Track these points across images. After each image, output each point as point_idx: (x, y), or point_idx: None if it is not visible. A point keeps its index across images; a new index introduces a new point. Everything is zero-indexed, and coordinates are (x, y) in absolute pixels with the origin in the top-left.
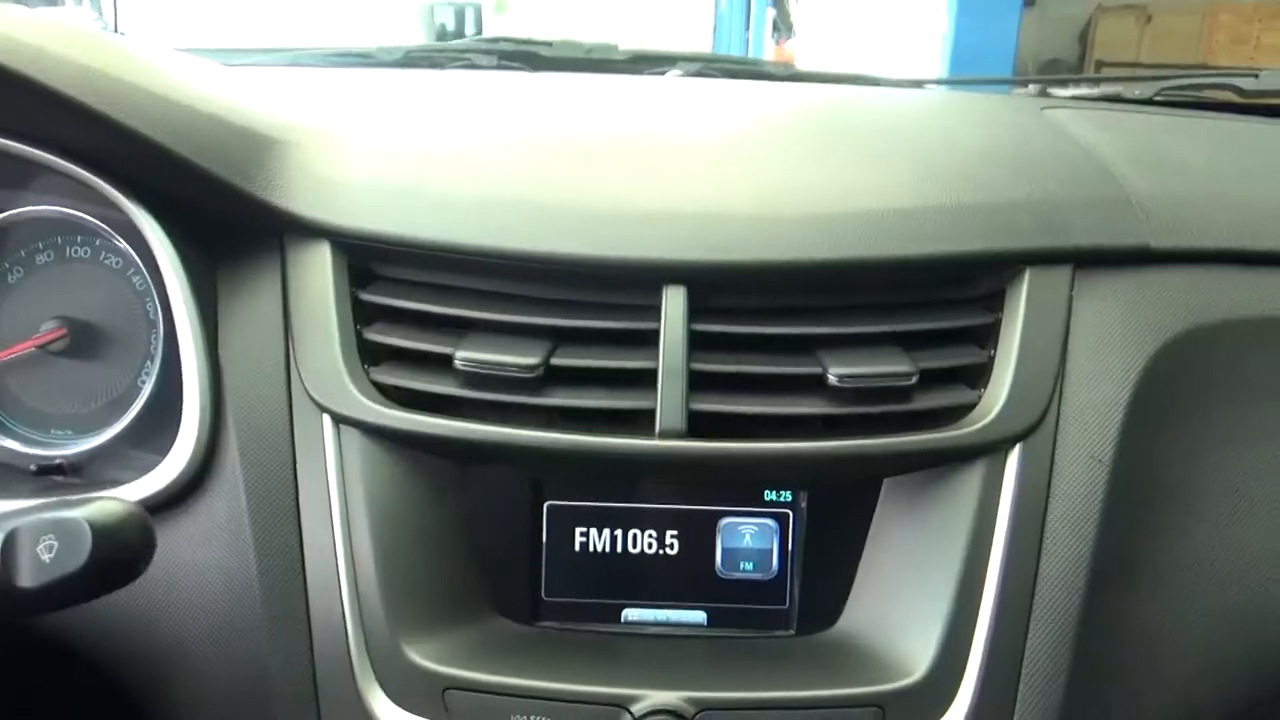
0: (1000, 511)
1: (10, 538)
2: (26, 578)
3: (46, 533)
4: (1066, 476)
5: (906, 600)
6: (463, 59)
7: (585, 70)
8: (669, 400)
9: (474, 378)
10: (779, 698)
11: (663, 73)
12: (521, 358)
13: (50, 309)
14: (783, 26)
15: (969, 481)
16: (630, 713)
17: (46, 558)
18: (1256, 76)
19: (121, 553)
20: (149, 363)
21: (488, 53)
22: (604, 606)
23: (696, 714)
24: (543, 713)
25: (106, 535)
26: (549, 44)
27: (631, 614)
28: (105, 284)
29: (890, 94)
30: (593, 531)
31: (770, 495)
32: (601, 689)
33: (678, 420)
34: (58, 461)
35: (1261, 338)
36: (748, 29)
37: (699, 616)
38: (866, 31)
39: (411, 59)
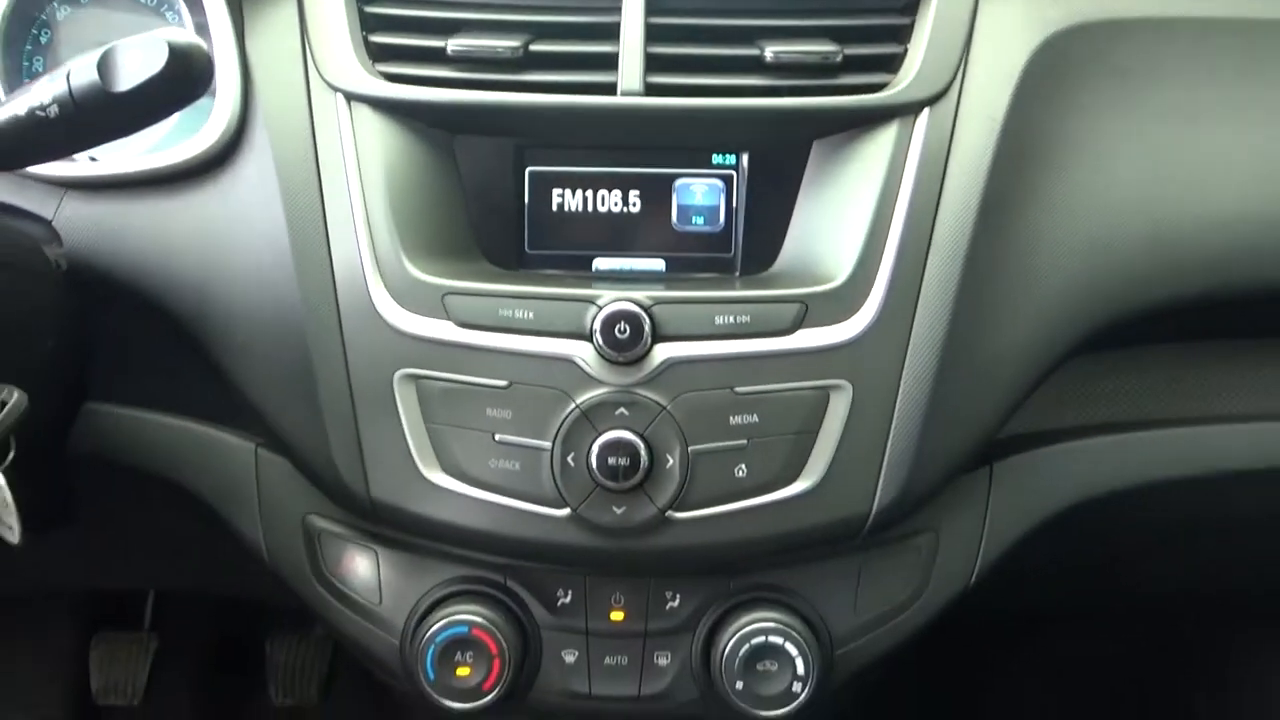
0: (909, 163)
1: (107, 54)
2: (120, 83)
3: (133, 48)
4: (966, 133)
5: (830, 240)
6: None
7: None
8: (628, 67)
9: (464, 63)
10: (720, 294)
11: None
12: (504, 42)
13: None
14: None
15: (884, 140)
16: (597, 305)
17: (134, 67)
18: None
19: (190, 69)
20: None
21: None
22: (578, 258)
23: (652, 305)
24: (527, 308)
25: (179, 52)
26: None
27: (601, 263)
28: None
29: None
30: (568, 192)
31: (717, 159)
32: (576, 291)
33: (636, 82)
34: None
35: (1128, 32)
36: None
37: (658, 264)
38: None
39: None
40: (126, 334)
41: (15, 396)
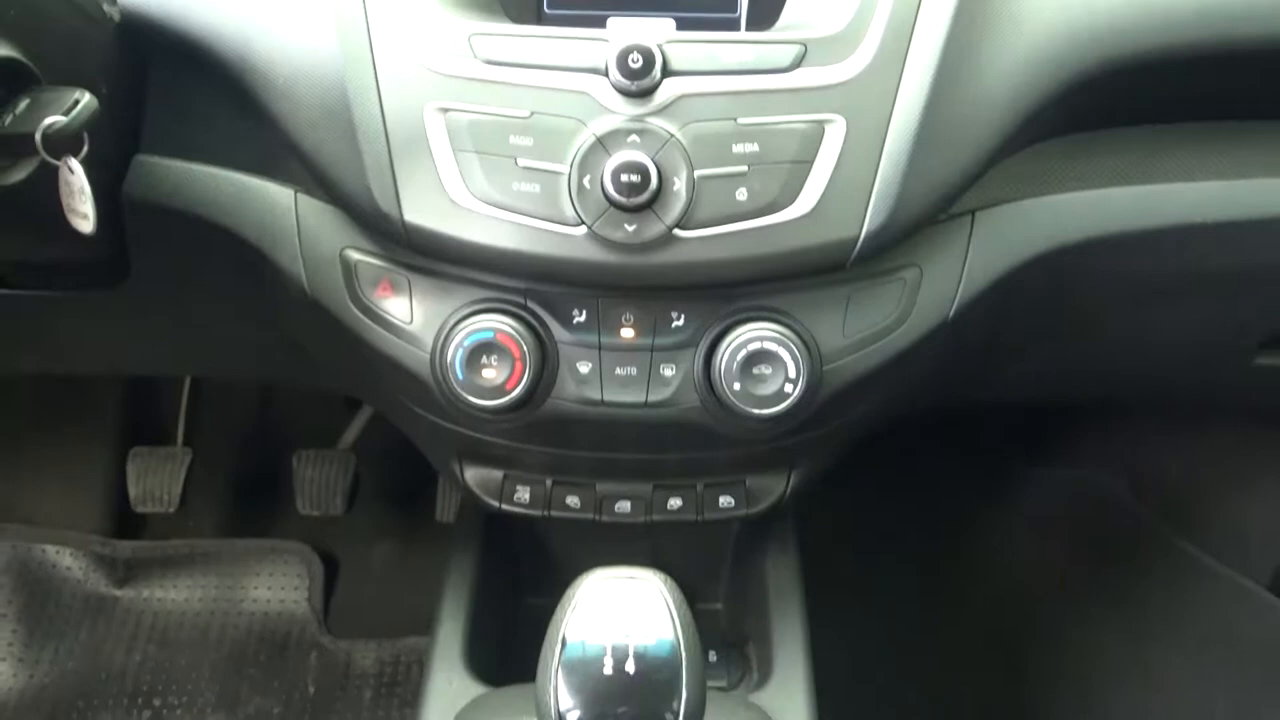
0: None
1: None
2: None
3: None
4: None
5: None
6: None
7: None
8: None
9: None
10: (726, 37)
11: None
12: None
13: None
14: None
15: None
16: (611, 41)
17: None
18: None
19: None
20: None
21: None
22: (593, 17)
23: (663, 43)
24: (546, 47)
25: None
26: None
27: (615, 22)
28: None
29: None
30: None
31: None
32: (592, 31)
33: None
34: None
35: None
36: None
37: (669, 24)
38: None
39: None
40: (175, 89)
41: (86, 97)
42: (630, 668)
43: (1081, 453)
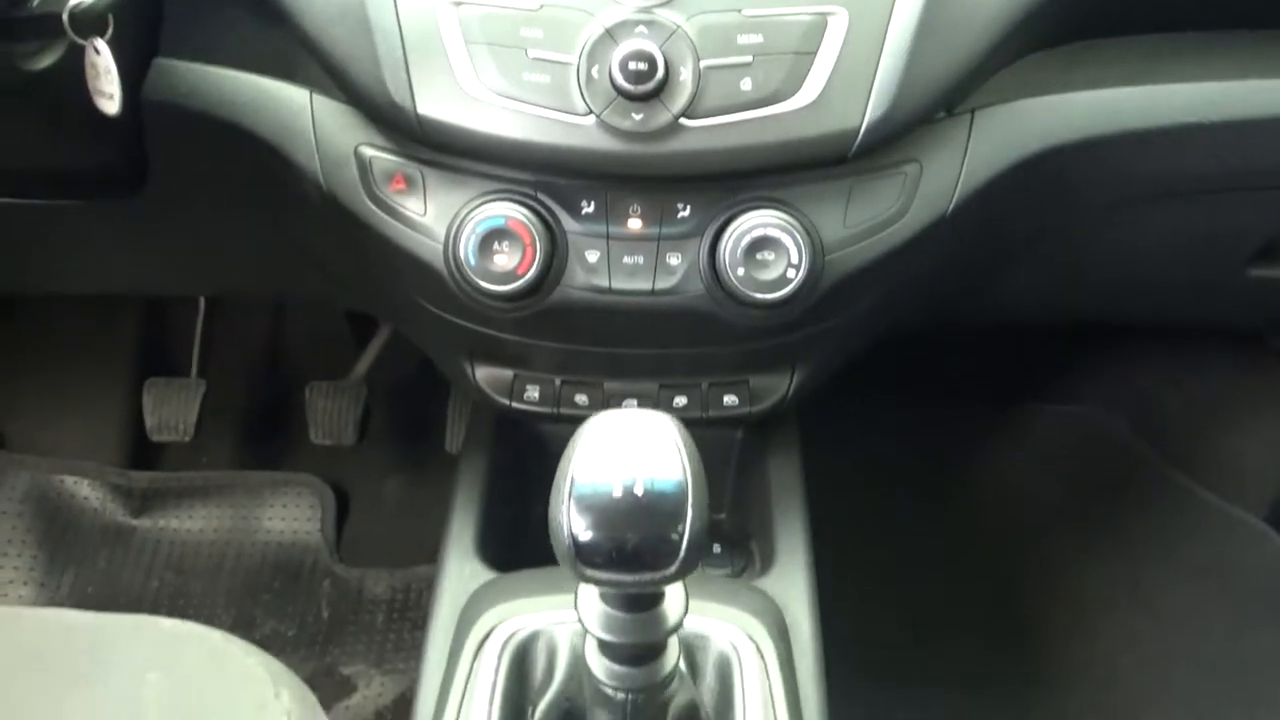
0: None
1: None
2: None
3: None
4: None
5: None
6: None
7: None
8: None
9: None
10: None
11: None
12: None
13: None
14: None
15: None
16: None
17: None
18: None
19: None
20: None
21: None
22: None
23: None
24: None
25: None
26: None
27: None
28: None
29: None
30: None
31: None
32: None
33: None
34: None
35: None
36: None
37: None
38: None
39: None
40: None
41: None
42: (638, 492)
43: (1084, 391)
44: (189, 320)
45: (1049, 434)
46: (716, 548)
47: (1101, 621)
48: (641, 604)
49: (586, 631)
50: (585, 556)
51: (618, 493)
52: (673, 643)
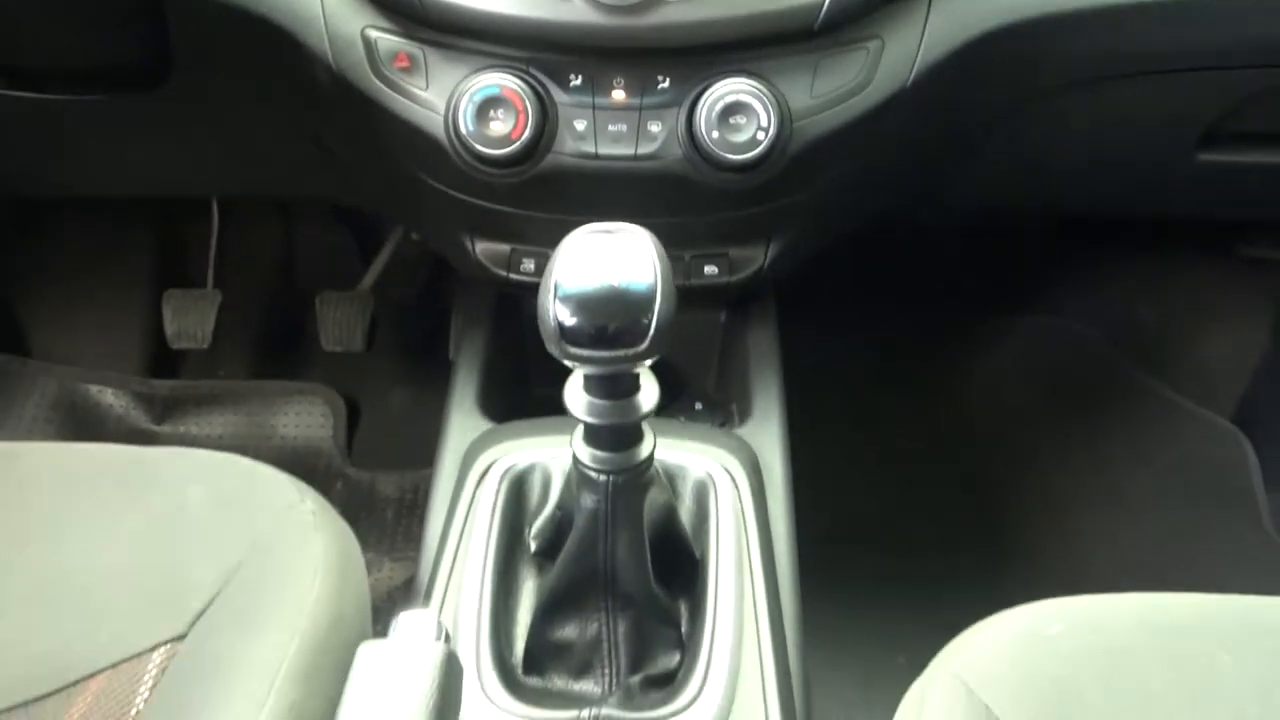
0: None
1: None
2: None
3: None
4: None
5: None
6: None
7: None
8: None
9: None
10: None
11: None
12: None
13: None
14: None
15: None
16: None
17: None
18: None
19: None
20: None
21: None
22: None
23: None
24: None
25: None
26: None
27: None
28: None
29: None
30: None
31: None
32: None
33: None
34: None
35: None
36: None
37: None
38: None
39: None
40: None
41: None
42: (615, 285)
43: (1061, 302)
44: (203, 234)
45: (1026, 342)
46: (699, 405)
47: (1076, 517)
48: (619, 389)
49: (576, 421)
50: (570, 338)
51: (597, 287)
52: (647, 432)
